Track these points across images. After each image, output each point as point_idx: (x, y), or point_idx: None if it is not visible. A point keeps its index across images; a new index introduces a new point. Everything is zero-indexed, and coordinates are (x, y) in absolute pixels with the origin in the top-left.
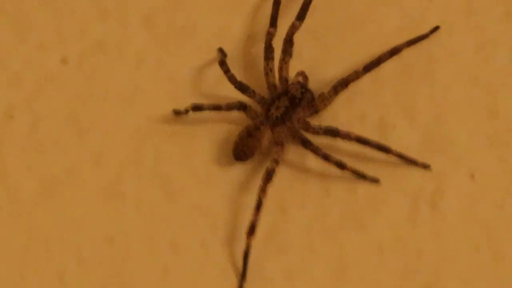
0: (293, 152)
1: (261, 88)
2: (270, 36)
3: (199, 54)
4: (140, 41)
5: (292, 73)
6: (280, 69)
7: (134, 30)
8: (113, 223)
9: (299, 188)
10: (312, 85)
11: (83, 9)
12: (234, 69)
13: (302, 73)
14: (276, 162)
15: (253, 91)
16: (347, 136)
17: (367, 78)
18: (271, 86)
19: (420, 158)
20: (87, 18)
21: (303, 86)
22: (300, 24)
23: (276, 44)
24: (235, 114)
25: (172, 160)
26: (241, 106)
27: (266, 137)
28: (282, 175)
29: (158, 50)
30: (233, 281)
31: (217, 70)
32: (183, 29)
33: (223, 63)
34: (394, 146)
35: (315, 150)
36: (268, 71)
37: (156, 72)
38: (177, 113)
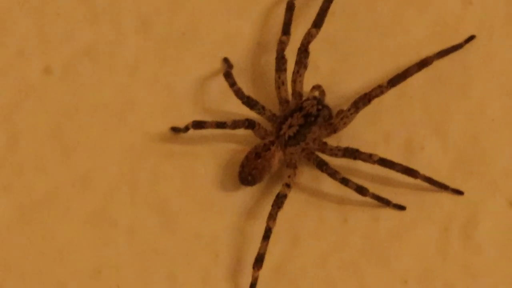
0: (308, 176)
1: (271, 104)
2: (282, 45)
3: (202, 64)
4: (135, 48)
5: (307, 87)
6: (294, 82)
7: (127, 35)
8: (101, 254)
9: (314, 216)
10: (330, 100)
11: (70, 11)
12: (241, 82)
13: (318, 87)
14: (288, 186)
15: (263, 107)
16: (369, 158)
17: (392, 93)
18: (283, 102)
19: (452, 183)
20: (74, 21)
21: (320, 102)
22: (317, 32)
23: (289, 54)
24: (242, 132)
25: (170, 183)
26: (249, 124)
27: (277, 158)
28: (294, 201)
29: (155, 59)
30: None
31: (222, 82)
32: (184, 36)
33: (228, 75)
34: (422, 170)
35: (333, 174)
36: (280, 84)
37: (152, 84)
38: (176, 130)
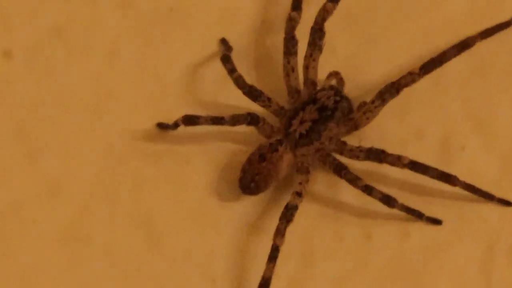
0: (323, 183)
1: (279, 95)
2: (292, 23)
3: (194, 47)
4: (114, 28)
5: (322, 74)
6: (306, 68)
7: (105, 12)
8: (74, 277)
9: (330, 231)
10: (350, 91)
11: None
12: (242, 68)
13: (336, 74)
14: (299, 195)
15: (268, 99)
16: (397, 161)
17: (425, 82)
18: (293, 92)
19: (498, 192)
20: None
21: (338, 93)
22: (334, 7)
23: (301, 34)
24: (243, 130)
25: (156, 192)
26: (252, 119)
27: (286, 161)
28: (307, 213)
29: (138, 40)
30: None
31: (218, 68)
32: (172, 12)
33: (227, 60)
34: (462, 175)
35: (354, 180)
36: (289, 71)
37: (134, 71)
38: (163, 127)
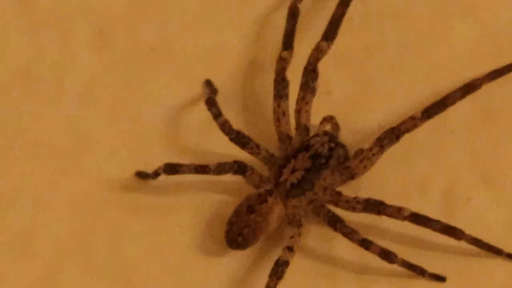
0: (317, 236)
1: (269, 141)
2: (283, 63)
3: (176, 88)
4: (88, 67)
5: (316, 119)
6: (298, 112)
7: (79, 50)
8: None
9: None
10: (346, 137)
11: (2, 22)
12: (228, 112)
13: (330, 119)
14: (291, 250)
15: (257, 146)
16: (397, 214)
17: (428, 128)
18: (285, 138)
19: (507, 247)
20: (9, 34)
21: (332, 139)
22: (329, 46)
23: (292, 75)
24: (230, 179)
25: (135, 246)
26: (239, 168)
27: (276, 213)
28: (299, 270)
29: (115, 81)
30: None
31: (203, 112)
32: (153, 51)
33: (212, 103)
34: (468, 228)
35: (350, 234)
36: (280, 115)
37: (111, 114)
38: (143, 176)
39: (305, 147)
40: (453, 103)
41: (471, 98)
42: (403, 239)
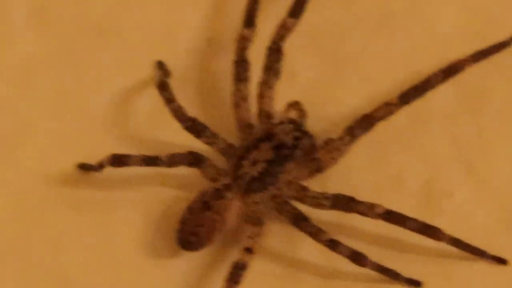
0: (279, 236)
1: (227, 130)
2: (243, 43)
3: (124, 71)
4: (27, 47)
5: (280, 104)
6: (260, 97)
7: (16, 28)
8: None
9: None
10: (313, 125)
11: None
12: (182, 97)
13: (296, 105)
14: (250, 251)
15: (214, 134)
16: (370, 211)
17: (405, 114)
18: (245, 127)
19: (492, 248)
20: None
21: (298, 127)
22: (295, 23)
23: (254, 56)
24: (183, 171)
25: (77, 248)
26: (194, 159)
27: (234, 210)
28: (259, 273)
29: (56, 63)
30: None
31: (153, 97)
32: (100, 28)
33: (164, 87)
34: (448, 228)
35: (316, 233)
36: (240, 101)
37: (52, 99)
38: (86, 169)
39: (268, 136)
40: (433, 87)
41: (453, 82)
42: (376, 240)
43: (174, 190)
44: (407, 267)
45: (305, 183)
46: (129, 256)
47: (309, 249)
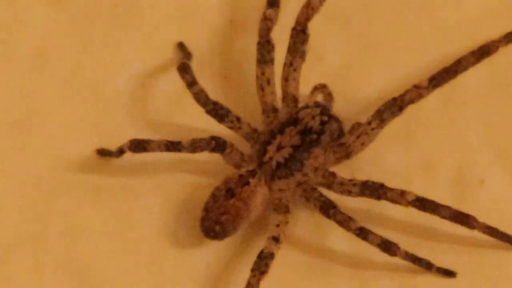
0: (307, 225)
1: (251, 114)
2: (267, 23)
3: (143, 52)
4: (42, 27)
5: (305, 88)
6: (285, 80)
7: (31, 8)
8: None
9: (317, 285)
10: (341, 109)
11: None
12: (204, 80)
13: (323, 88)
14: (277, 241)
15: (238, 119)
16: (400, 198)
17: (436, 98)
18: (269, 111)
19: None
20: None
21: (325, 111)
22: (321, 3)
23: (278, 37)
24: (206, 158)
25: (95, 236)
26: (217, 145)
27: (260, 198)
28: (286, 263)
29: (73, 44)
30: None
31: (175, 80)
32: (116, 8)
33: (185, 69)
34: (481, 216)
35: (345, 222)
36: (264, 83)
37: (68, 82)
38: (105, 154)
39: (293, 120)
40: (465, 69)
41: (486, 64)
42: (407, 228)
43: (196, 177)
44: (439, 257)
45: (332, 169)
46: (150, 245)
47: (338, 238)
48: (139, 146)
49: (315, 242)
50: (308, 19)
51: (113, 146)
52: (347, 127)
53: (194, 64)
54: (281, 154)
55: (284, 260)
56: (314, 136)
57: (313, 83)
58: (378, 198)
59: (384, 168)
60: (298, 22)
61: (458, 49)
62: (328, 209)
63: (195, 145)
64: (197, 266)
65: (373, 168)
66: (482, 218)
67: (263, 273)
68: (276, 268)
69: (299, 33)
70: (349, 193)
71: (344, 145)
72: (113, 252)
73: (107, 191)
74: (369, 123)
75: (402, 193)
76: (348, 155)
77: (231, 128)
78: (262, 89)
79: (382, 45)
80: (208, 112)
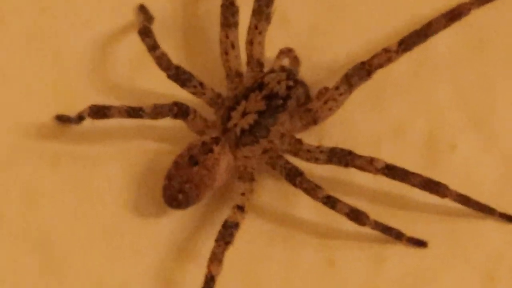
0: (273, 193)
1: (215, 79)
2: None
3: (103, 15)
4: None
5: (271, 52)
6: (250, 44)
7: None
8: None
9: (283, 256)
10: (307, 73)
11: None
12: (166, 44)
13: (289, 52)
14: (241, 210)
15: (201, 84)
16: (369, 165)
17: (406, 62)
18: (234, 76)
19: (499, 205)
20: None
21: (291, 76)
22: None
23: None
24: (168, 124)
25: (54, 204)
26: (179, 111)
27: (224, 165)
28: (252, 233)
29: (30, 5)
30: None
31: (135, 44)
32: None
33: (146, 33)
34: (453, 184)
35: (312, 190)
36: (228, 47)
37: (25, 46)
38: (64, 120)
39: (258, 85)
40: (436, 32)
41: (457, 27)
42: (376, 197)
43: (158, 144)
44: (410, 226)
45: (299, 136)
46: (110, 214)
47: (305, 207)
48: (99, 112)
49: (282, 211)
50: None
51: (72, 112)
52: (314, 92)
53: (156, 27)
54: (245, 120)
55: (250, 230)
56: (280, 102)
57: (279, 47)
58: (346, 165)
59: (352, 134)
60: None
61: (429, 12)
62: (294, 176)
63: (157, 111)
64: (160, 236)
65: (341, 134)
66: (453, 184)
67: (228, 243)
68: (241, 238)
69: None
70: (316, 160)
71: (311, 110)
72: (73, 221)
73: (66, 159)
74: (336, 88)
75: (371, 160)
76: (315, 121)
77: (194, 93)
78: (226, 53)
79: (351, 6)
80: (170, 76)
